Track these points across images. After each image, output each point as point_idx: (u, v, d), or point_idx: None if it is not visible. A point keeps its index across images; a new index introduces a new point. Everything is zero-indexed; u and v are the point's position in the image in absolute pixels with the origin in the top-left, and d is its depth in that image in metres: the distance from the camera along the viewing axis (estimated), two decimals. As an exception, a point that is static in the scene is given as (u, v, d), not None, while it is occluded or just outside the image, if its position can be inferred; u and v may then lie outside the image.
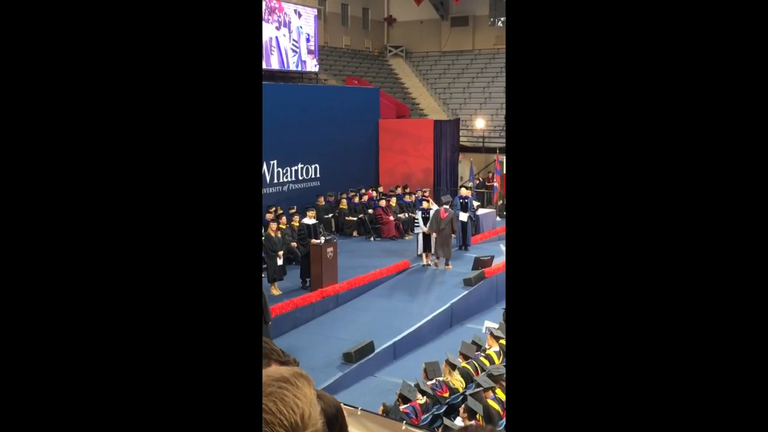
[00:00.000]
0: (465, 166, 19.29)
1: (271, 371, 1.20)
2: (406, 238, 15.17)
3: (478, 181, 19.97)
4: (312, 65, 20.74)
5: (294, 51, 19.99)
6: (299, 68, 20.30)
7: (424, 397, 7.06)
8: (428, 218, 12.94)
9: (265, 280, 10.80)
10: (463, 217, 13.87)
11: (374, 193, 16.79)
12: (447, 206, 12.74)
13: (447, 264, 12.70)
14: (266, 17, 18.79)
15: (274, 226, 11.47)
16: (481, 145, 21.55)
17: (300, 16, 20.18)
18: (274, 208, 13.27)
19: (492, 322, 9.68)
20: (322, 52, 21.94)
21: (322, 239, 11.56)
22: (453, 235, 12.92)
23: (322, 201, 15.48)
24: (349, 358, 9.12)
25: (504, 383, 7.09)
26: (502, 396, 6.95)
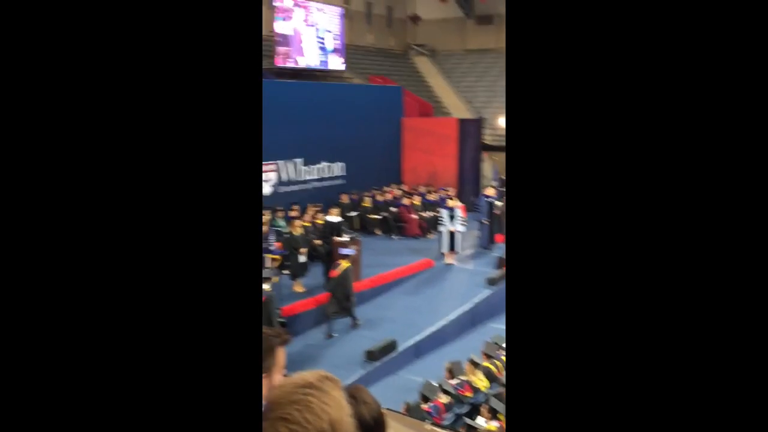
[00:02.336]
0: (489, 165, 19.18)
1: (295, 378, 1.16)
2: (429, 236, 15.12)
3: (501, 180, 19.85)
4: (337, 63, 20.78)
5: (320, 49, 20.05)
6: (324, 66, 20.35)
7: (447, 396, 7.04)
8: (453, 216, 12.89)
9: (288, 278, 10.85)
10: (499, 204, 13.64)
11: (398, 192, 16.77)
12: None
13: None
14: (291, 14, 18.87)
15: (297, 223, 11.51)
16: (505, 144, 21.36)
17: (325, 14, 20.22)
18: (297, 206, 13.32)
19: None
20: (347, 51, 21.97)
21: (346, 237, 11.57)
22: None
23: (345, 199, 15.50)
24: (371, 356, 9.13)
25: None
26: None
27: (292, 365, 2.96)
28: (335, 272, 10.16)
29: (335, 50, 20.63)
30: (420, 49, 26.60)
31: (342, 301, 10.02)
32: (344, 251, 10.67)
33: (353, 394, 1.79)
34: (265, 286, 8.47)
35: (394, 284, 11.94)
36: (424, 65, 26.62)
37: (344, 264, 10.12)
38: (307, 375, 1.16)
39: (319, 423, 1.06)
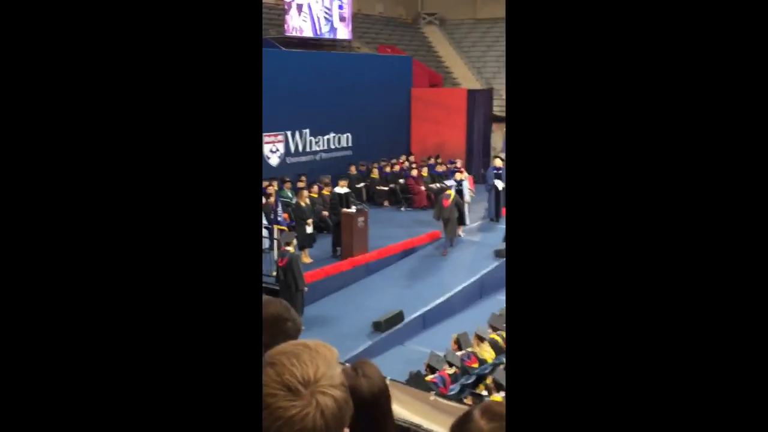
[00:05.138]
0: (498, 137, 19.05)
1: (293, 341, 1.19)
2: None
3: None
4: (345, 33, 20.56)
5: (327, 18, 19.83)
6: (332, 36, 20.14)
7: (453, 367, 7.08)
8: (461, 190, 12.84)
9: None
10: (500, 185, 13.69)
11: (406, 163, 16.71)
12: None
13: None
14: (299, -16, 18.64)
15: (304, 194, 11.51)
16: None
17: (333, -18, 19.97)
18: (304, 177, 13.30)
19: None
20: (355, 20, 21.72)
21: (353, 208, 11.57)
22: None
23: (353, 170, 15.47)
24: (378, 327, 9.19)
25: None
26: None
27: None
28: (447, 201, 12.12)
29: (342, 19, 20.39)
30: (430, 18, 26.29)
31: (455, 223, 12.29)
32: (447, 183, 13.05)
33: (355, 367, 1.78)
34: (289, 248, 9.15)
35: (402, 255, 11.95)
36: (434, 34, 26.31)
37: (452, 193, 12.34)
38: (306, 340, 1.18)
39: (305, 370, 1.07)
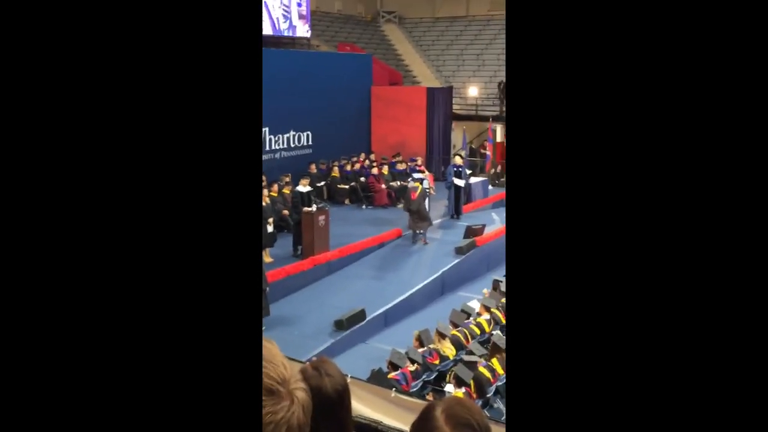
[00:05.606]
0: (458, 135, 19.19)
1: None
2: (398, 206, 15.14)
3: (470, 150, 19.91)
4: (303, 31, 20.44)
5: (285, 16, 19.68)
6: (291, 34, 20.00)
7: (415, 364, 7.12)
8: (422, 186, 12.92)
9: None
10: (459, 182, 13.80)
11: (366, 161, 16.70)
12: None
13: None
14: (257, -19, 18.45)
15: (264, 193, 11.42)
16: (474, 113, 21.41)
17: (291, -20, 19.83)
18: (264, 176, 13.18)
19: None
20: (314, 18, 21.62)
21: (314, 207, 11.53)
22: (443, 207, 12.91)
23: (314, 169, 15.40)
24: (340, 325, 9.17)
25: (500, 355, 7.15)
26: (496, 365, 7.03)
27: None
28: (415, 194, 12.17)
29: (301, 17, 20.27)
30: (389, 16, 26.32)
31: (424, 215, 12.33)
32: (417, 176, 13.06)
33: (316, 366, 1.78)
34: None
35: (363, 253, 11.95)
36: (393, 33, 26.35)
37: (419, 186, 12.29)
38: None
39: (277, 370, 1.09)
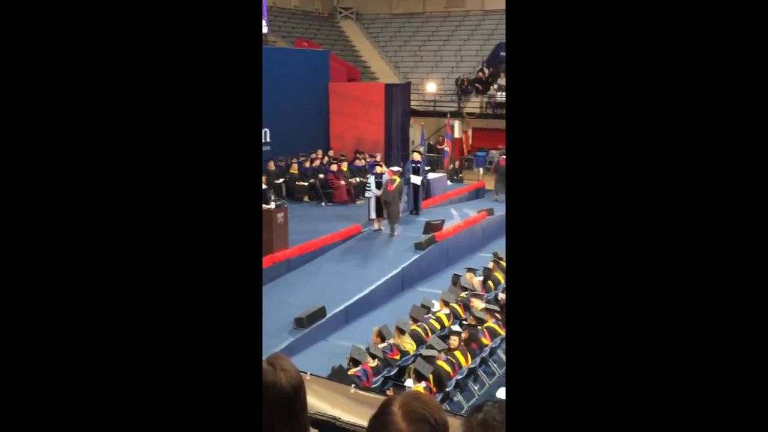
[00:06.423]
0: (416, 131, 19.26)
1: None
2: (358, 202, 15.12)
3: (428, 146, 20.02)
4: (261, 26, 20.23)
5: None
6: (247, 29, 19.77)
7: (375, 360, 7.13)
8: (381, 183, 12.93)
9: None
10: (416, 180, 13.87)
11: (325, 158, 16.64)
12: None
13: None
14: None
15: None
16: (432, 109, 21.52)
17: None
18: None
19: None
20: (271, 13, 21.41)
21: (273, 204, 11.43)
22: (401, 203, 13.02)
23: (272, 166, 15.27)
24: (300, 323, 9.12)
25: (451, 344, 7.22)
26: (460, 357, 7.11)
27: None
28: (392, 186, 12.37)
29: (259, 12, 20.05)
30: (346, 12, 26.25)
31: (398, 208, 12.62)
32: (394, 169, 13.35)
33: (272, 362, 1.77)
34: None
35: (323, 250, 11.91)
36: (351, 29, 26.29)
37: (397, 179, 12.56)
38: None
39: None
